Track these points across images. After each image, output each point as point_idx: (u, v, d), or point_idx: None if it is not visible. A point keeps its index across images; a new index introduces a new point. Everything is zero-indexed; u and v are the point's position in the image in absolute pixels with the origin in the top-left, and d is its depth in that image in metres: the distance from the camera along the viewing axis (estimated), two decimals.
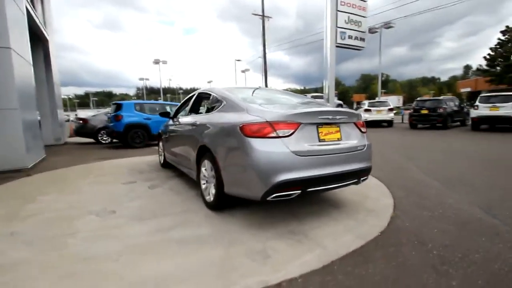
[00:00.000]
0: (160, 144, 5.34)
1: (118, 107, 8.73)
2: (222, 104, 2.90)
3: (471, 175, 4.24)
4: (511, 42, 23.63)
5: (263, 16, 29.22)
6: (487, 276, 1.70)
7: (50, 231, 2.42)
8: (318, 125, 2.42)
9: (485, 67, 25.56)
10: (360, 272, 1.77)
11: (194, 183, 3.94)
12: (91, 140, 10.59)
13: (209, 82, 53.29)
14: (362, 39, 12.85)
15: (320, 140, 2.40)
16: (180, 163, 3.99)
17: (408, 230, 2.37)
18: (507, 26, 23.90)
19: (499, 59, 24.18)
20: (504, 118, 10.61)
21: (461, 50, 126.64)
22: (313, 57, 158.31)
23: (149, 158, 6.42)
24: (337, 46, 11.66)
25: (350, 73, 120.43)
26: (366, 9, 12.86)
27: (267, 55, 29.04)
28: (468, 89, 34.74)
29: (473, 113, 11.63)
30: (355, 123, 2.71)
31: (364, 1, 12.28)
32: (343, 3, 11.44)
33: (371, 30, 19.92)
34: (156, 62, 35.26)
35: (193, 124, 3.27)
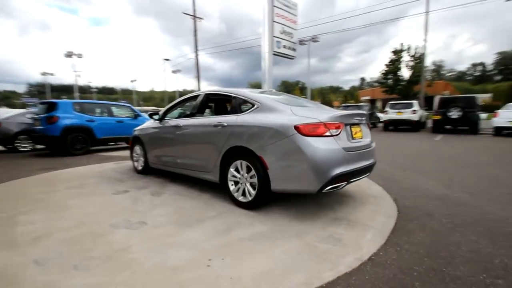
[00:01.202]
0: (137, 148, 4.85)
1: (52, 106, 7.28)
2: (256, 106, 3.00)
3: (405, 162, 5.47)
4: (398, 61, 30.04)
5: (194, 16, 28.65)
6: (472, 220, 2.42)
7: (92, 251, 2.07)
8: (351, 125, 2.84)
9: (381, 80, 31.63)
10: (413, 238, 2.24)
11: (201, 186, 3.84)
12: (1, 147, 8.44)
13: (133, 81, 48.43)
14: (294, 49, 14.38)
15: (353, 138, 2.82)
16: (183, 166, 3.79)
17: (413, 207, 3.02)
18: (395, 48, 30.27)
19: (391, 73, 30.39)
20: (406, 121, 13.60)
21: (358, 65, 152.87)
22: (237, 62, 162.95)
23: (111, 165, 5.69)
24: (273, 54, 12.76)
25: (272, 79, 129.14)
26: (296, 23, 14.43)
27: (190, 56, 28.40)
28: (368, 97, 42.19)
29: (385, 117, 14.45)
30: (367, 123, 3.25)
31: (295, 15, 13.83)
32: (278, 15, 12.60)
33: (301, 42, 22.11)
34: (69, 55, 29.81)
35: (215, 126, 3.23)
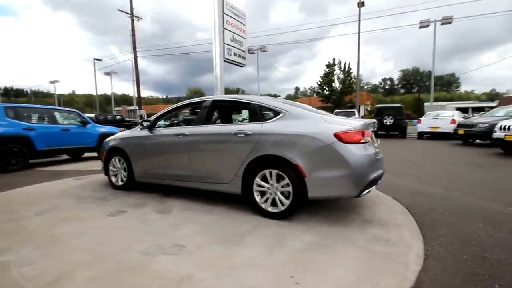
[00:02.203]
0: (115, 161, 4.22)
1: None
2: (282, 114, 2.97)
3: None
4: (331, 74, 33.64)
5: (132, 15, 26.60)
6: (466, 211, 2.91)
7: (150, 287, 1.72)
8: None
9: (318, 90, 34.89)
10: (440, 231, 2.55)
11: (207, 199, 3.55)
12: None
13: (52, 82, 41.53)
14: (244, 58, 14.75)
15: (373, 145, 3.05)
16: (188, 178, 3.46)
17: (414, 204, 3.42)
18: (328, 62, 33.85)
19: (326, 85, 33.79)
20: None
21: (292, 75, 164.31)
22: (173, 66, 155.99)
23: (72, 182, 4.79)
24: (225, 61, 12.89)
25: (210, 85, 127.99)
26: (245, 32, 14.83)
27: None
28: None
29: None
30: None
31: (244, 24, 14.27)
32: (228, 23, 12.80)
33: (250, 51, 22.67)
34: None
35: (235, 134, 3.06)
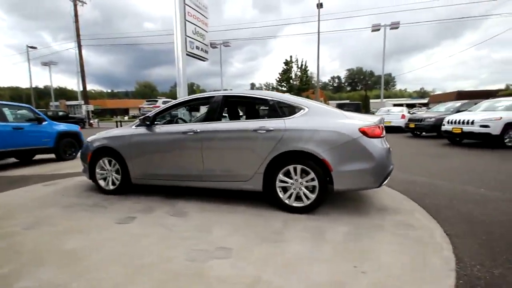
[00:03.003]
0: (103, 163, 3.77)
1: None
2: (304, 110, 3.00)
3: None
4: (289, 71, 34.76)
5: None
6: (471, 199, 3.38)
7: None
8: None
9: (277, 86, 35.73)
10: (453, 213, 2.89)
11: (222, 198, 3.42)
12: None
13: None
14: (206, 52, 14.52)
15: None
16: (199, 178, 3.28)
17: (408, 191, 3.79)
18: (286, 59, 34.86)
19: (285, 81, 34.81)
20: None
21: (246, 71, 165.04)
22: (119, 57, 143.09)
23: (46, 189, 4.14)
24: (187, 55, 12.51)
25: (162, 79, 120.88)
26: (207, 25, 14.61)
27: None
28: None
29: None
30: None
31: (206, 17, 13.99)
32: (190, 14, 12.46)
33: (212, 45, 22.07)
34: None
35: (256, 130, 2.99)
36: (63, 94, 65.41)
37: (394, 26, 17.53)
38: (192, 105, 4.15)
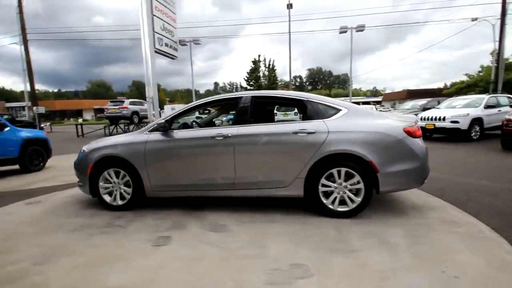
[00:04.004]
0: (108, 175, 3.26)
1: None
2: (344, 111, 2.91)
3: None
4: (257, 70, 34.89)
5: None
6: (488, 191, 3.62)
7: None
8: None
9: (246, 86, 35.65)
10: (484, 206, 3.04)
11: (249, 206, 3.18)
12: None
13: None
14: (176, 49, 13.96)
15: None
16: (231, 186, 3.01)
17: (431, 186, 3.95)
18: (254, 58, 34.95)
19: (253, 80, 34.86)
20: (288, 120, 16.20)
21: (209, 70, 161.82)
22: (66, 54, 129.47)
23: (31, 209, 3.47)
24: (156, 52, 11.88)
25: (117, 78, 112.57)
26: (176, 21, 14.04)
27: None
28: None
29: None
30: None
31: (174, 13, 13.41)
32: (157, 9, 11.87)
33: (182, 43, 21.07)
34: None
35: (296, 133, 2.82)
36: (1, 94, 57.46)
37: (360, 28, 18.59)
38: (216, 107, 3.82)
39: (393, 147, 2.74)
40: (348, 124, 2.83)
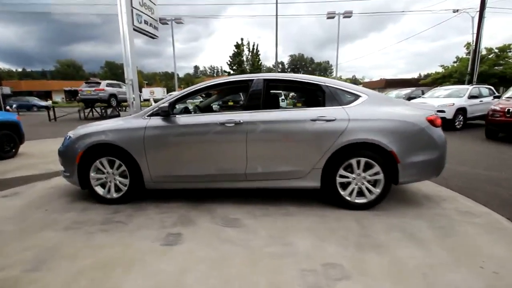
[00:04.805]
0: (101, 164, 2.90)
1: None
2: (364, 98, 2.73)
3: None
4: (240, 55, 33.98)
5: None
6: (486, 179, 3.69)
7: None
8: None
9: (229, 70, 34.73)
10: (485, 197, 3.07)
11: (261, 197, 3.00)
12: None
13: None
14: (156, 28, 13.11)
15: None
16: (242, 177, 2.78)
17: None
18: (237, 42, 33.89)
19: (236, 65, 33.96)
20: None
21: (188, 52, 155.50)
22: (31, 30, 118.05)
23: (7, 203, 3.05)
24: (134, 30, 11.09)
25: (88, 58, 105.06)
26: None
27: None
28: None
29: None
30: None
31: None
32: None
33: (162, 21, 19.79)
34: None
35: (314, 120, 2.62)
36: None
37: (347, 15, 18.41)
38: (224, 90, 3.49)
39: (415, 136, 2.63)
40: (370, 111, 2.68)
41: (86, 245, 2.11)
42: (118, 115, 15.28)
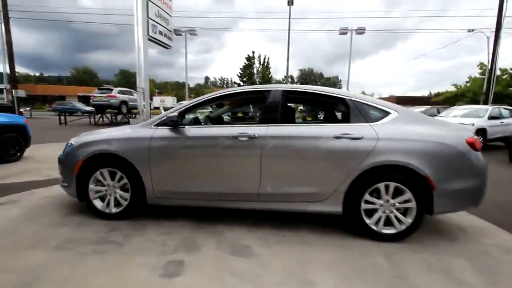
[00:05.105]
0: (102, 175, 2.67)
1: None
2: (394, 115, 2.46)
3: None
4: (251, 67, 34.27)
5: None
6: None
7: None
8: None
9: (239, 82, 35.04)
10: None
11: (272, 220, 2.69)
12: None
13: None
14: (170, 38, 13.16)
15: None
16: (254, 197, 2.50)
17: None
18: (248, 55, 34.28)
19: (246, 77, 34.24)
20: None
21: (200, 63, 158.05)
22: (51, 37, 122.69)
23: (10, 211, 2.83)
24: (149, 39, 11.13)
25: (103, 65, 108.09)
26: (171, 9, 13.24)
27: None
28: None
29: None
30: None
31: (170, 0, 12.64)
32: None
33: (177, 32, 20.19)
34: None
35: (338, 137, 2.35)
36: None
37: (360, 31, 18.39)
38: (238, 100, 3.28)
39: (454, 160, 2.32)
40: (401, 130, 2.39)
41: (76, 269, 1.84)
42: (128, 122, 15.31)
